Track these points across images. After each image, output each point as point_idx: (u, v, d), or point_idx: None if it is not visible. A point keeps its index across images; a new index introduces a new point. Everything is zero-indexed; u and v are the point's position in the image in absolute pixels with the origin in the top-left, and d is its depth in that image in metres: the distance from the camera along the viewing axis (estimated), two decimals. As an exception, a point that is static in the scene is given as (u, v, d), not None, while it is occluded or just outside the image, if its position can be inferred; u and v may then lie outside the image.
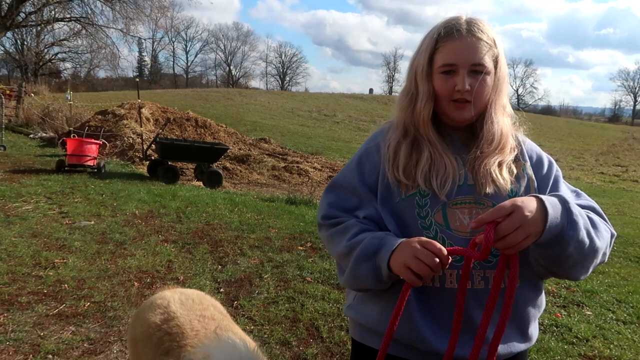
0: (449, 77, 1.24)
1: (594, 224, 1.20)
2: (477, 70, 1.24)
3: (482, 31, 1.25)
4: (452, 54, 1.24)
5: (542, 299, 1.33)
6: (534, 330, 1.32)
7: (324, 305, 3.82)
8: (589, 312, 4.17)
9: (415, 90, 1.31)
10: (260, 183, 11.19)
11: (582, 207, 1.25)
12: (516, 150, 1.31)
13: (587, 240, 1.15)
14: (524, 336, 1.29)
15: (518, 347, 1.27)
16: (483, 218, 1.09)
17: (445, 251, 1.11)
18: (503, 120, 1.30)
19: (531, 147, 1.38)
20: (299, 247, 5.33)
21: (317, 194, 9.59)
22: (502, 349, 1.24)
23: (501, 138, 1.27)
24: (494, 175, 1.23)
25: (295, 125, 24.87)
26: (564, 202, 1.14)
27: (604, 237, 1.21)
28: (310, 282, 4.30)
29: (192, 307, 1.81)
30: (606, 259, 1.26)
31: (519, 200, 1.09)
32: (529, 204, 1.09)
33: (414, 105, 1.30)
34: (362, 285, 1.26)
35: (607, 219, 1.28)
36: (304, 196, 8.34)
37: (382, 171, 1.30)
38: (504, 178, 1.23)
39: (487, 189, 1.22)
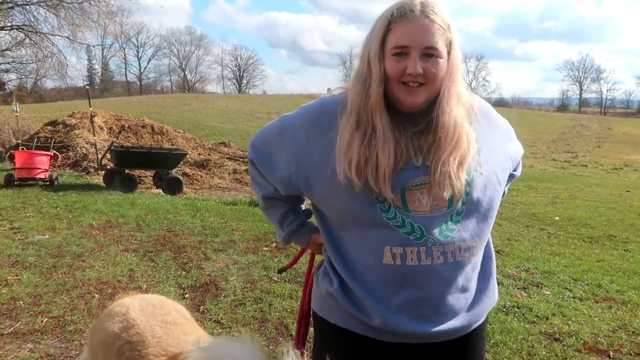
0: (401, 59, 1.21)
1: None
2: (430, 53, 1.20)
3: (436, 13, 1.21)
4: (404, 36, 1.20)
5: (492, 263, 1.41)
6: (491, 296, 1.38)
7: (292, 304, 3.80)
8: (547, 292, 4.33)
9: (368, 73, 1.25)
10: (222, 187, 11.05)
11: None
12: (473, 141, 1.28)
13: None
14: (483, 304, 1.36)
15: (480, 314, 1.34)
16: None
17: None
18: (457, 109, 1.25)
19: (486, 109, 1.40)
20: (264, 248, 5.29)
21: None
22: (464, 317, 1.30)
23: (455, 128, 1.23)
24: (453, 179, 1.21)
25: (255, 128, 24.55)
26: None
27: None
28: (277, 281, 4.27)
29: (153, 312, 1.74)
30: None
31: None
32: None
33: (367, 88, 1.25)
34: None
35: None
36: (266, 197, 8.28)
37: (332, 163, 1.26)
38: (461, 181, 1.22)
39: (445, 192, 1.21)
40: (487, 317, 1.41)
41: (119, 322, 1.70)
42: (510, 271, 4.86)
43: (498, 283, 4.36)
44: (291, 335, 3.32)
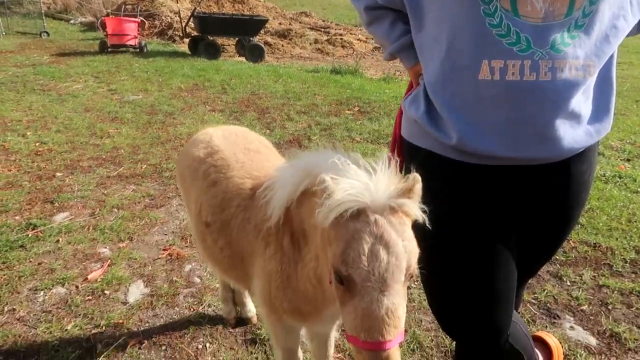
0: None
1: None
2: None
3: None
4: None
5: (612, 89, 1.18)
6: (603, 124, 1.17)
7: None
8: (656, 164, 3.95)
9: None
10: (303, 57, 10.84)
11: None
12: None
13: None
14: (590, 131, 1.15)
15: (587, 141, 1.15)
16: None
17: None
18: None
19: None
20: (347, 111, 5.21)
21: (363, 64, 9.22)
22: (567, 143, 1.11)
23: None
24: None
25: (337, -2, 23.36)
26: None
27: None
28: (360, 141, 4.23)
29: (236, 141, 1.76)
30: None
31: None
32: None
33: None
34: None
35: None
36: (349, 66, 8.03)
37: None
38: None
39: None
40: (598, 143, 1.22)
41: (203, 148, 1.73)
42: (613, 143, 4.45)
43: (599, 154, 4.05)
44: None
